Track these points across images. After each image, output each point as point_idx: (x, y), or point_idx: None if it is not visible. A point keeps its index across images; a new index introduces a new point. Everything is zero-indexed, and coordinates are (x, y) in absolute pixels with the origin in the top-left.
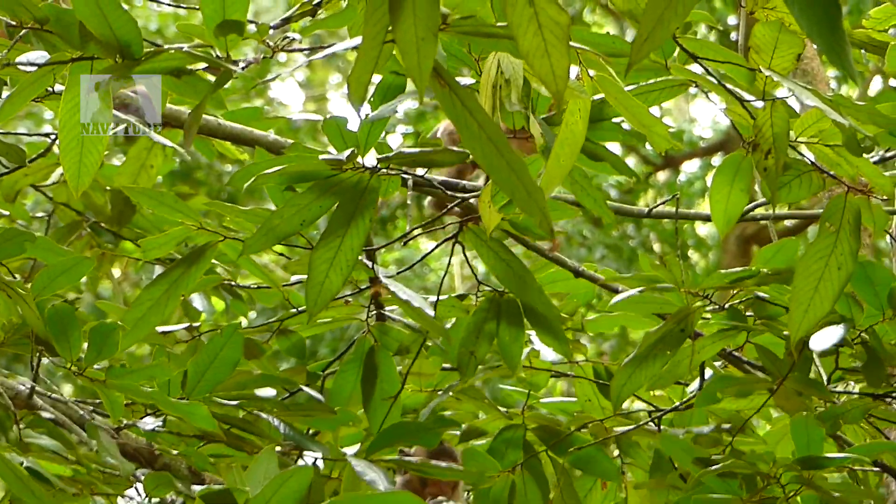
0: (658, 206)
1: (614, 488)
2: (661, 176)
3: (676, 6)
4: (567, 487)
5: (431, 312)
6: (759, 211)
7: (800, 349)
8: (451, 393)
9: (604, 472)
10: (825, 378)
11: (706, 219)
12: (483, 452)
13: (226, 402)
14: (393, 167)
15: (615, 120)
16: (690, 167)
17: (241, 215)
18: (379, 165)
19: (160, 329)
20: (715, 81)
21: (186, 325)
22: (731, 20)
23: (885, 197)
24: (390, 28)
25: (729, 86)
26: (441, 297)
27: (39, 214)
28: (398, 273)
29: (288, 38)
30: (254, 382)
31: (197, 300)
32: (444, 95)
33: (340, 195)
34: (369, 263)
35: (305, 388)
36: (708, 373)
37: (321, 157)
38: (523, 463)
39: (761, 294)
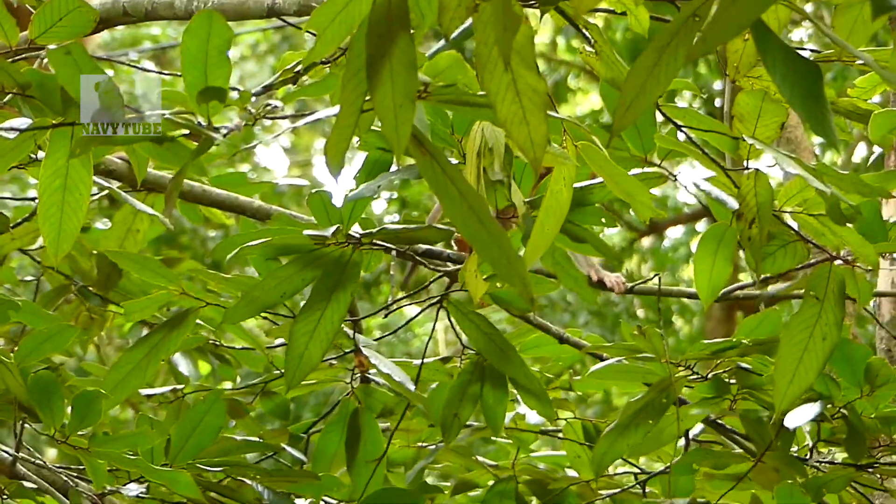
0: (640, 283)
1: None
2: (646, 242)
3: (659, 74)
4: None
5: (412, 386)
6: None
7: (778, 426)
8: (435, 454)
9: None
10: (810, 445)
11: (689, 296)
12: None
13: (209, 468)
14: (376, 242)
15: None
16: (675, 233)
17: (223, 282)
18: (362, 240)
19: (144, 392)
20: (699, 150)
21: (171, 387)
22: (717, 85)
23: (869, 267)
24: (368, 96)
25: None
26: (426, 360)
27: (28, 278)
28: (380, 339)
29: (270, 105)
30: (237, 448)
31: (183, 364)
32: (425, 163)
33: (323, 268)
34: (351, 332)
35: (289, 449)
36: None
37: (305, 232)
38: None
39: (744, 365)
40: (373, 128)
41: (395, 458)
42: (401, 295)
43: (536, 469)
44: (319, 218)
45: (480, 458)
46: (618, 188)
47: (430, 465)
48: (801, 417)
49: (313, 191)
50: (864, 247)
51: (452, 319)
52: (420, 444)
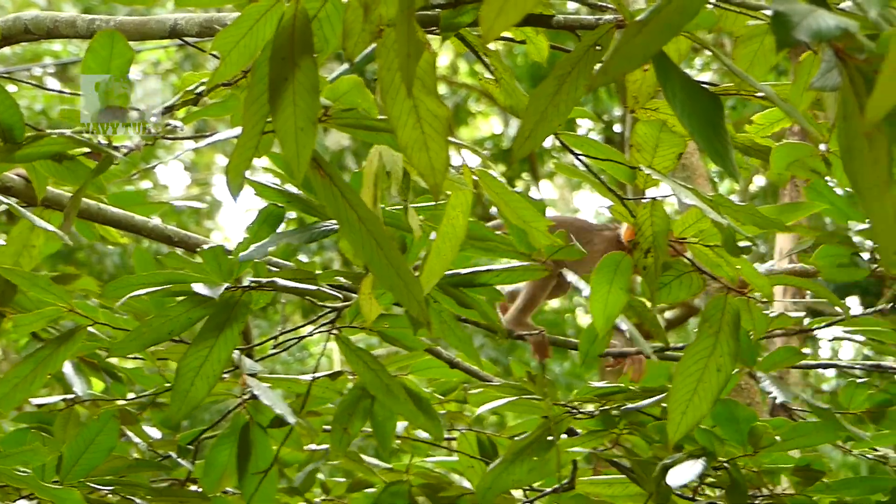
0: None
1: None
2: None
3: (559, 103)
4: None
5: (292, 419)
6: None
7: (658, 481)
8: (326, 456)
9: None
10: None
11: (571, 347)
12: None
13: (99, 486)
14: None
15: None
16: None
17: (113, 304)
18: (252, 285)
19: (36, 401)
20: (595, 178)
21: (62, 396)
22: (617, 111)
23: (764, 299)
24: (270, 118)
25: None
26: (318, 376)
27: None
28: (271, 356)
29: (170, 125)
30: (128, 468)
31: (76, 382)
32: (324, 187)
33: (211, 309)
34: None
35: (178, 460)
36: None
37: (194, 287)
38: None
39: (631, 406)
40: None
41: (287, 459)
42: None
43: (430, 473)
44: (212, 270)
45: (375, 461)
46: (514, 215)
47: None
48: (684, 475)
49: (206, 247)
50: (758, 278)
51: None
52: (313, 446)
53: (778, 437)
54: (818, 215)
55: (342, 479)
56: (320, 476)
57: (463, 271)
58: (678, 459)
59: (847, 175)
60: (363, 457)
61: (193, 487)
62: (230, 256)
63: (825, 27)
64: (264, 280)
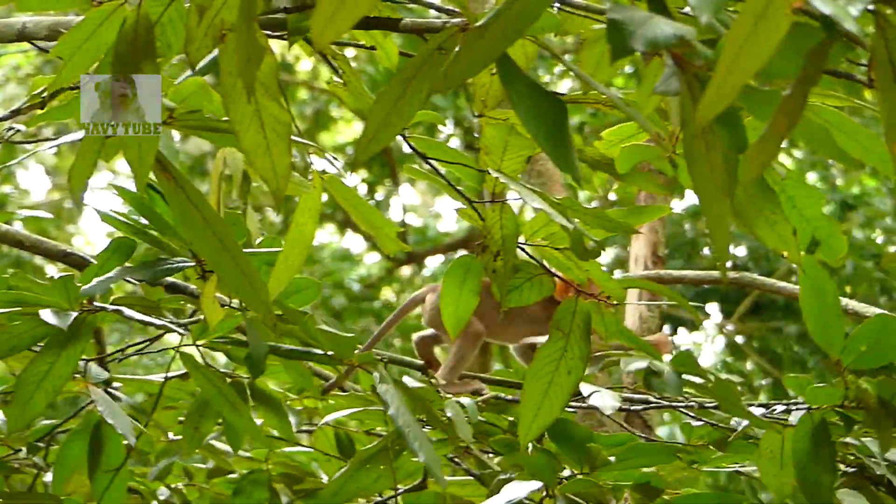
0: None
1: None
2: (405, 271)
3: (402, 107)
4: None
5: (132, 439)
6: None
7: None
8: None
9: None
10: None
11: (413, 366)
12: None
13: None
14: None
15: None
16: (434, 262)
17: None
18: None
19: None
20: (444, 181)
21: None
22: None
23: (615, 302)
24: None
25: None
26: (170, 376)
27: None
28: (122, 360)
29: (13, 129)
30: None
31: None
32: (170, 189)
33: (56, 329)
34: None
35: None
36: None
37: (42, 315)
38: None
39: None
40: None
41: (145, 449)
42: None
43: (290, 463)
44: (61, 299)
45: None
46: (364, 221)
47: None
48: (516, 494)
49: (57, 276)
50: (609, 282)
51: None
52: (171, 437)
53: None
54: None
55: (204, 465)
56: (180, 461)
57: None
58: (516, 477)
59: (690, 177)
60: (221, 445)
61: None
62: (78, 284)
63: (661, 35)
64: (110, 308)
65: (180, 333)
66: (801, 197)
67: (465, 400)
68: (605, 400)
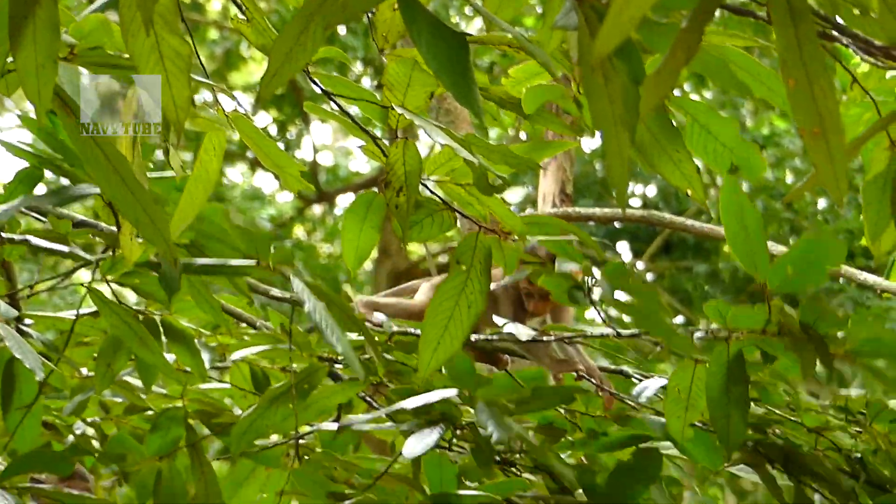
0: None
1: (277, 476)
2: (316, 209)
3: (305, 42)
4: (211, 479)
5: (41, 374)
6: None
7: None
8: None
9: (267, 459)
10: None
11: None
12: (130, 439)
13: None
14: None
15: None
16: (345, 201)
17: None
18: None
19: None
20: (349, 119)
21: None
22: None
23: (516, 237)
24: (11, 57)
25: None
26: (83, 313)
27: None
28: (31, 296)
29: None
30: None
31: None
32: (70, 126)
33: None
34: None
35: None
36: None
37: None
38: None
39: (387, 356)
40: None
41: (58, 386)
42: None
43: (205, 399)
44: None
45: (156, 389)
46: (267, 160)
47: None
48: (418, 446)
49: None
50: (511, 218)
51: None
52: (85, 373)
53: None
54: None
55: (121, 399)
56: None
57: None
58: (418, 425)
59: (590, 114)
60: (134, 381)
61: None
62: None
63: None
64: (17, 237)
65: (88, 261)
66: (714, 124)
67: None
68: (518, 329)
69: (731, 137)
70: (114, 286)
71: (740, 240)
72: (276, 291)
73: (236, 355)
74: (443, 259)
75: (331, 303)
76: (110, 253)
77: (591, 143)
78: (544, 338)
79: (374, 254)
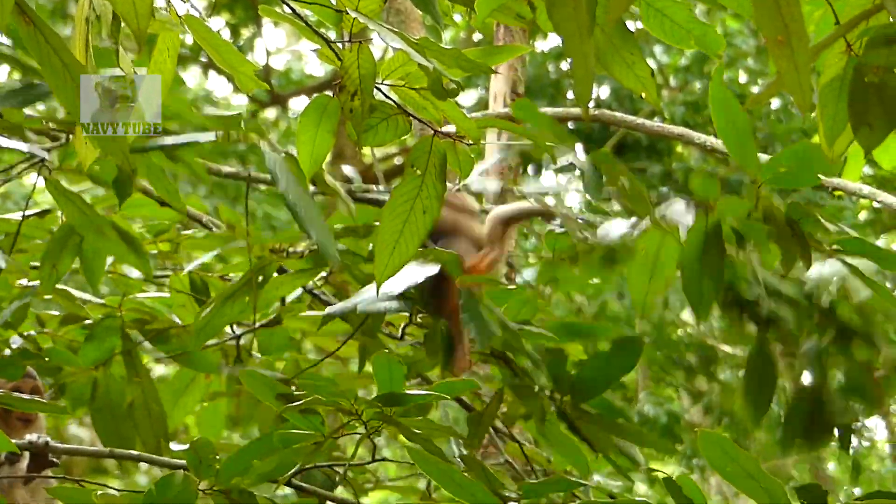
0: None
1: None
2: (270, 113)
3: None
4: (149, 386)
5: (3, 262)
6: None
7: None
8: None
9: (205, 366)
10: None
11: None
12: (65, 351)
13: None
14: None
15: None
16: (299, 104)
17: None
18: None
19: None
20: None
21: None
22: None
23: (470, 141)
24: None
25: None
26: (28, 214)
27: None
28: None
29: None
30: None
31: None
32: (29, 34)
33: None
34: None
35: None
36: None
37: None
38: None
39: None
40: None
41: (2, 295)
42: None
43: (143, 308)
44: None
45: (88, 297)
46: (221, 59)
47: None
48: (375, 306)
49: None
50: (465, 121)
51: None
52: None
53: None
54: None
55: (56, 312)
56: (34, 310)
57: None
58: (379, 298)
59: (550, 20)
60: (75, 292)
61: None
62: None
63: None
64: None
65: (42, 158)
66: (669, 7)
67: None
68: (486, 185)
69: (686, 18)
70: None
71: (731, 134)
72: (229, 168)
73: (191, 266)
74: (399, 161)
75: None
76: (64, 144)
77: (543, 44)
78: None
79: (329, 157)
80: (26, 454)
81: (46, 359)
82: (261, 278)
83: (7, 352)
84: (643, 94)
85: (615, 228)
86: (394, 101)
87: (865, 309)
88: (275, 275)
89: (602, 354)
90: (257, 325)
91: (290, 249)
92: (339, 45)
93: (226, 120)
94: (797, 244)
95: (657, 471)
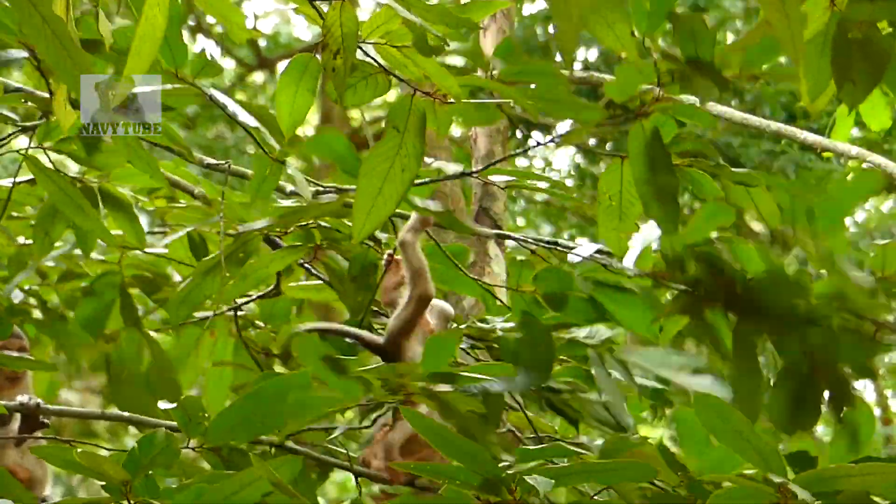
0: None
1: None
2: (258, 77)
3: None
4: (158, 353)
5: None
6: None
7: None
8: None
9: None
10: None
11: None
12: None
13: None
14: None
15: None
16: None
17: None
18: None
19: None
20: None
21: None
22: None
23: (451, 99)
24: None
25: None
26: (18, 181)
27: None
28: None
29: None
30: None
31: None
32: None
33: None
34: None
35: None
36: None
37: None
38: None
39: (323, 223)
40: None
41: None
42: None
43: (143, 265)
44: None
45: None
46: (211, 9)
47: None
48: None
49: None
50: (446, 79)
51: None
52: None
53: None
54: None
55: (55, 264)
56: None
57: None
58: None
59: None
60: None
61: None
62: None
63: None
64: None
65: (24, 128)
66: None
67: None
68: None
69: None
70: (53, 155)
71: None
72: (209, 160)
73: (172, 237)
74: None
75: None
76: (45, 120)
77: (531, 7)
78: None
79: (317, 120)
80: (17, 416)
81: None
82: (242, 254)
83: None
84: (623, 55)
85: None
86: (375, 60)
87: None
88: (266, 249)
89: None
90: (255, 295)
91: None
92: (322, 4)
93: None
94: (705, 75)
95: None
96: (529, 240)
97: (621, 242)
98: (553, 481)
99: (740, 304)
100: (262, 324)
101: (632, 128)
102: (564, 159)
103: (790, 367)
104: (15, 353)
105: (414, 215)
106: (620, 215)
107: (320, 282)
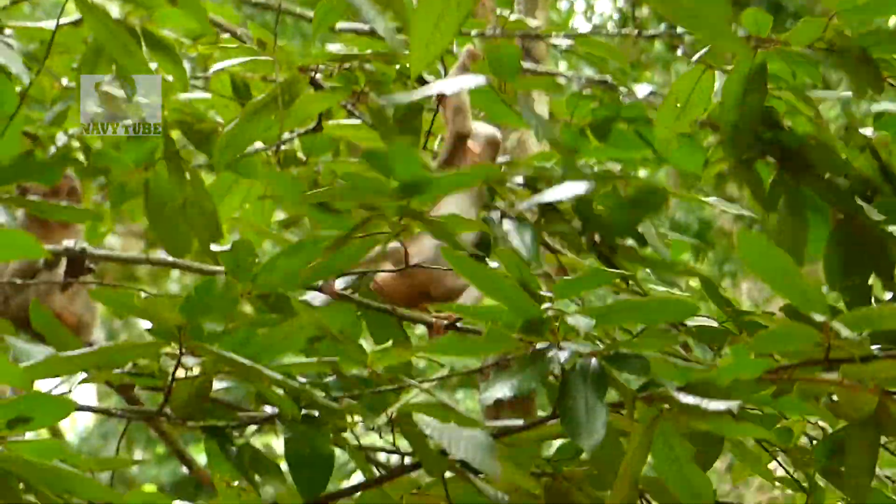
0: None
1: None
2: None
3: None
4: (198, 185)
5: (26, 78)
6: None
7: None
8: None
9: (248, 171)
10: None
11: None
12: (111, 151)
13: None
14: None
15: None
16: None
17: None
18: None
19: None
20: None
21: None
22: None
23: None
24: None
25: None
26: (64, 22)
27: None
28: (14, 2)
29: None
30: None
31: None
32: None
33: None
34: None
35: None
36: None
37: None
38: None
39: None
40: None
41: (39, 97)
42: None
43: (186, 109)
44: None
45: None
46: None
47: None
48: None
49: None
50: None
51: None
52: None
53: None
54: None
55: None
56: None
57: None
58: None
59: None
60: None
61: None
62: None
63: None
64: None
65: None
66: None
67: None
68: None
69: None
70: None
71: None
72: None
73: (218, 66)
74: None
75: None
76: None
77: None
78: None
79: None
80: (63, 260)
81: (86, 163)
82: (288, 97)
83: (53, 150)
84: None
85: (642, 90)
86: None
87: None
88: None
89: (626, 202)
90: (298, 132)
91: (321, 67)
92: None
93: None
94: (869, 69)
95: (693, 270)
96: (581, 77)
97: (672, 138)
98: (594, 321)
99: (795, 159)
100: (303, 157)
101: (742, 54)
102: (606, 3)
103: (842, 224)
104: (64, 198)
105: (463, 51)
106: (679, 116)
107: (360, 121)
